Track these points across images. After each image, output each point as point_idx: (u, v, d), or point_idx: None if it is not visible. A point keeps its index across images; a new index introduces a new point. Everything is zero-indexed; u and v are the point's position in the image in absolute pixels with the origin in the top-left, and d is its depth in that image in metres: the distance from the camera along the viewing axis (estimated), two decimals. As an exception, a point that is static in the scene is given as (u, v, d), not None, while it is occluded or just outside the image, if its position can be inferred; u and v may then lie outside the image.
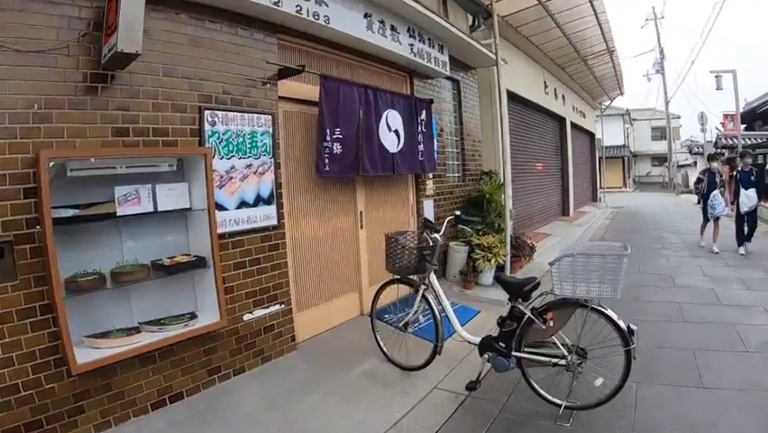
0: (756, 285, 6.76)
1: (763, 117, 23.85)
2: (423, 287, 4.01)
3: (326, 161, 4.70)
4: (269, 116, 4.31)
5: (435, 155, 6.61)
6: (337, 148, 4.77)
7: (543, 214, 13.00)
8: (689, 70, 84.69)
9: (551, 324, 3.31)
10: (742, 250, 8.79)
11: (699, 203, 10.30)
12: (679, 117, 46.31)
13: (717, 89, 16.84)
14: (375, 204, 5.84)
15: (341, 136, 4.80)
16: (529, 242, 7.96)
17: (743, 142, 17.70)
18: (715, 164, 9.70)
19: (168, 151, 3.59)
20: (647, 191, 38.64)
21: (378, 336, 4.47)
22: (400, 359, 4.25)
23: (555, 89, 13.90)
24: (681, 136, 44.68)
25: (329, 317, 5.18)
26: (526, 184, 11.56)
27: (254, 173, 4.19)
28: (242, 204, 4.09)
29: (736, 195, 8.94)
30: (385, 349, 4.40)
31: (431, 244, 4.02)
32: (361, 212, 5.59)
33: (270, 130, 4.31)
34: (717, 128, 24.33)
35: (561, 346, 3.32)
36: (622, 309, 5.52)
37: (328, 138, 4.69)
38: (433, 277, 3.98)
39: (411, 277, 4.14)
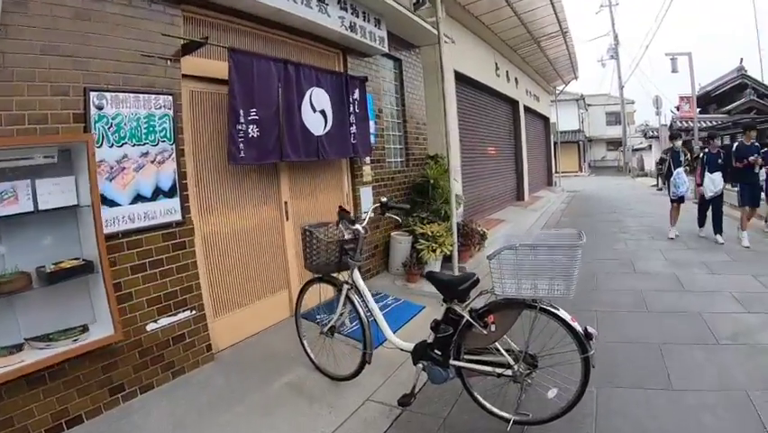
0: (720, 268, 6.63)
1: (717, 101, 24.48)
2: (346, 286, 3.56)
3: (241, 146, 4.18)
4: (169, 97, 3.76)
5: (372, 138, 6.19)
6: (253, 131, 4.26)
7: (496, 199, 12.77)
8: (643, 55, 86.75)
9: (493, 328, 2.88)
10: (702, 233, 8.72)
11: (664, 185, 10.06)
12: (633, 102, 47.80)
13: (673, 72, 16.99)
14: (303, 193, 5.36)
15: (257, 117, 4.29)
16: (479, 229, 7.62)
17: (699, 125, 17.91)
18: (678, 143, 9.49)
19: (45, 140, 3.07)
20: (603, 175, 39.45)
21: (304, 342, 4.04)
22: (330, 367, 3.83)
23: (507, 72, 13.64)
24: (636, 121, 46.04)
25: (253, 321, 4.71)
26: (478, 169, 11.27)
27: (152, 162, 3.66)
28: (138, 198, 3.56)
29: (702, 177, 8.49)
30: (312, 356, 3.97)
31: (353, 236, 3.52)
32: (285, 202, 5.10)
33: (171, 112, 3.77)
34: (672, 111, 24.78)
35: (506, 354, 2.92)
36: (580, 301, 5.32)
37: (242, 120, 4.17)
38: (357, 275, 3.54)
39: (334, 275, 3.67)
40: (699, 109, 24.48)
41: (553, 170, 22.85)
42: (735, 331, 4.40)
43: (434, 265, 6.33)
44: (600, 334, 4.41)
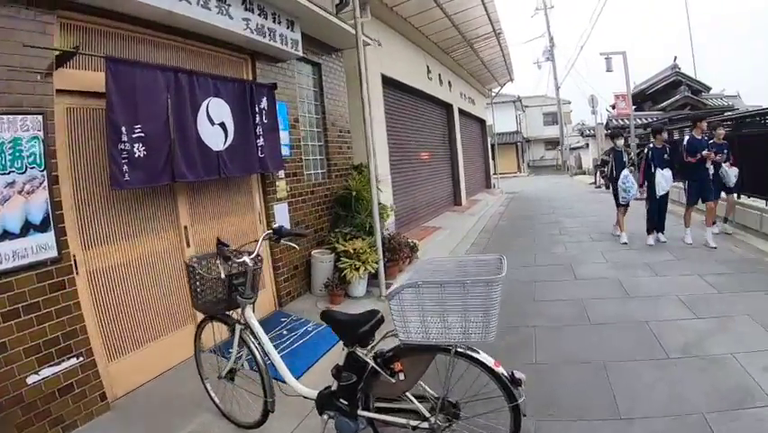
0: (664, 269, 6.50)
1: (652, 98, 25.45)
2: (239, 327, 3.16)
3: (125, 167, 3.70)
4: (39, 117, 3.27)
5: (286, 150, 5.82)
6: (139, 150, 3.79)
7: (432, 206, 12.61)
8: (578, 55, 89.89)
9: (402, 376, 2.54)
10: (651, 240, 7.99)
11: (608, 189, 9.52)
12: (570, 103, 49.06)
13: (608, 71, 17.42)
14: (206, 215, 4.90)
15: (143, 134, 3.82)
16: (409, 241, 7.36)
17: (635, 122, 18.36)
18: (620, 142, 9.11)
19: None
20: (542, 175, 40.50)
21: (207, 385, 3.62)
22: (237, 413, 3.43)
23: (440, 75, 13.54)
24: (573, 120, 47.55)
25: (156, 361, 4.22)
26: (411, 176, 11.07)
27: (19, 193, 3.16)
28: (5, 235, 3.07)
29: (646, 176, 7.97)
30: (217, 400, 3.56)
31: (241, 270, 3.11)
32: (186, 227, 4.63)
33: (41, 134, 3.28)
34: (607, 110, 25.57)
35: (419, 405, 2.58)
36: (518, 315, 5.14)
37: (125, 138, 3.70)
38: (249, 314, 3.13)
39: (229, 313, 3.26)
40: (634, 107, 25.41)
41: (491, 173, 23.03)
42: (685, 341, 4.19)
43: (360, 284, 6.02)
44: (539, 354, 4.31)
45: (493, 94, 23.16)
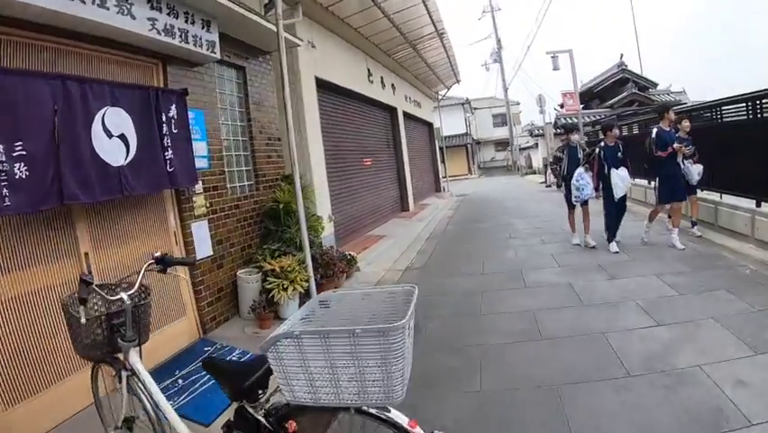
0: (620, 271, 6.27)
1: (599, 96, 26.05)
2: (125, 373, 2.75)
3: (4, 191, 3.26)
4: None
5: (205, 161, 5.44)
6: (21, 170, 3.35)
7: (376, 213, 12.37)
8: (525, 56, 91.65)
9: (297, 439, 2.13)
10: (615, 247, 7.40)
11: (559, 187, 8.84)
12: (518, 104, 50.03)
13: (554, 69, 17.68)
14: (111, 239, 4.45)
15: (24, 152, 3.38)
16: (347, 254, 7.07)
17: (583, 120, 18.57)
18: (575, 137, 8.50)
19: None
20: (493, 176, 41.13)
21: (111, 433, 3.18)
22: None
23: (382, 78, 13.33)
24: (522, 121, 48.40)
25: (57, 408, 3.72)
26: (352, 183, 10.79)
27: None
28: None
29: (600, 177, 7.53)
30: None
31: (120, 308, 2.71)
32: (86, 254, 4.16)
33: None
34: (555, 108, 26.00)
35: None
36: (463, 332, 4.94)
37: (3, 158, 3.26)
38: (135, 359, 2.71)
39: (117, 356, 2.86)
40: (582, 105, 25.96)
41: (441, 176, 23.00)
42: (647, 355, 3.90)
43: (291, 305, 5.67)
44: (485, 379, 3.98)
45: (440, 96, 23.17)
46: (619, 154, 7.44)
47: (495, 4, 45.48)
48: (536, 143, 34.11)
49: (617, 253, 7.24)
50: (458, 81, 21.18)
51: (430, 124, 22.21)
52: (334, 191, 9.42)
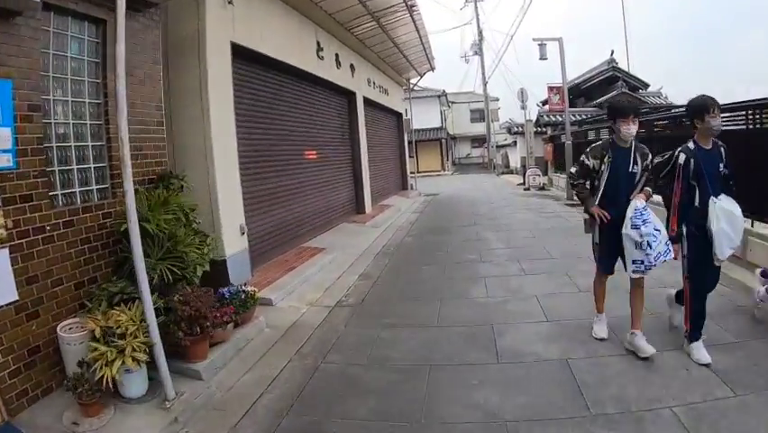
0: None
1: (585, 94, 24.62)
2: None
3: None
4: None
5: (10, 158, 3.49)
6: None
7: (320, 218, 10.48)
8: (507, 47, 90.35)
9: None
10: (703, 353, 3.83)
11: (589, 228, 4.50)
12: (497, 100, 49.56)
13: (541, 59, 15.93)
14: None
15: None
16: (244, 291, 5.13)
17: (573, 118, 17.06)
18: (629, 129, 4.16)
19: None
20: (467, 173, 39.74)
21: None
22: None
23: (338, 55, 11.42)
24: (500, 118, 47.72)
25: None
26: (288, 181, 8.91)
27: None
28: None
29: (682, 215, 3.97)
30: None
31: None
32: None
33: None
34: (537, 105, 24.51)
35: None
36: None
37: None
38: None
39: None
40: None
41: (408, 172, 21.19)
42: None
43: (134, 380, 3.78)
44: None
45: (412, 85, 21.32)
46: (722, 167, 3.95)
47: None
48: (515, 141, 32.63)
49: (707, 365, 3.75)
50: (432, 68, 19.37)
51: (399, 115, 20.32)
52: (255, 193, 7.54)
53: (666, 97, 25.32)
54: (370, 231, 11.18)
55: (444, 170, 40.43)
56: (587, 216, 4.48)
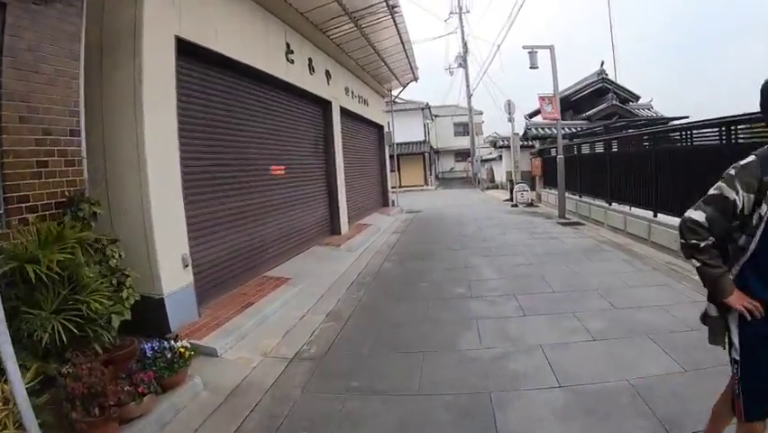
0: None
1: (574, 107, 23.96)
2: None
3: None
4: None
5: None
6: None
7: (288, 241, 9.47)
8: (494, 56, 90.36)
9: None
10: None
11: (716, 338, 2.45)
12: (482, 113, 49.62)
13: (532, 67, 15.09)
14: None
15: None
16: (173, 348, 4.06)
17: (563, 132, 16.23)
18: None
19: None
20: (451, 187, 39.03)
21: None
22: None
23: (311, 60, 10.48)
24: (485, 132, 47.72)
25: None
26: (249, 200, 7.88)
27: None
28: None
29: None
30: None
31: None
32: None
33: None
34: (525, 117, 23.81)
35: None
36: None
37: None
38: None
39: None
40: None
41: (389, 187, 20.24)
42: None
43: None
44: None
45: (394, 96, 20.50)
46: None
47: (464, 6, 43.97)
48: (500, 156, 31.91)
49: None
50: (415, 79, 18.56)
51: (380, 127, 19.40)
52: (207, 216, 6.54)
53: (657, 111, 24.86)
54: (344, 255, 10.17)
55: (428, 185, 39.61)
56: (712, 311, 2.42)
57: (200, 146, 6.52)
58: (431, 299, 6.85)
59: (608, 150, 12.55)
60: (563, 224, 13.43)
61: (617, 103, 22.23)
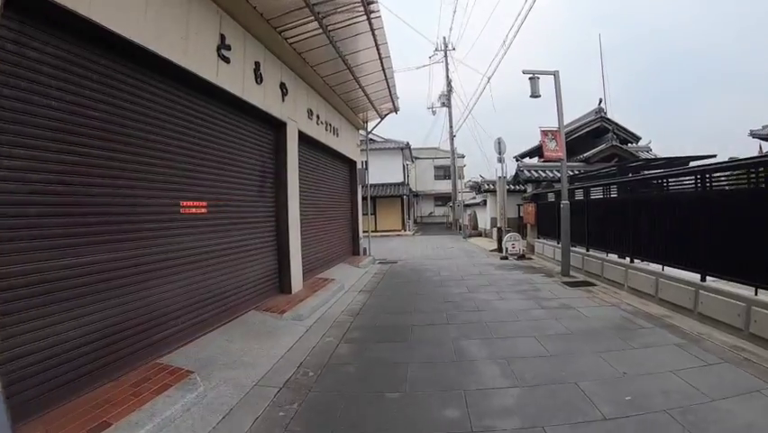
0: None
1: (570, 148, 22.00)
2: None
3: None
4: None
5: None
6: None
7: (206, 308, 6.90)
8: (482, 92, 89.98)
9: None
10: None
11: None
12: (463, 157, 50.25)
13: (532, 96, 12.90)
14: None
15: None
16: None
17: (558, 175, 14.08)
18: None
19: None
20: (431, 233, 36.67)
21: None
22: None
23: (259, 64, 8.14)
24: (465, 176, 47.18)
25: None
26: (135, 251, 5.29)
27: None
28: None
29: None
30: None
31: None
32: None
33: None
34: (516, 159, 21.86)
35: None
36: None
37: None
38: None
39: None
40: (542, 159, 22.21)
41: (361, 233, 17.74)
42: None
43: None
44: None
45: (370, 128, 18.23)
46: None
47: (449, 43, 42.84)
48: (484, 201, 29.71)
49: None
50: (395, 110, 16.37)
51: (352, 163, 16.99)
52: (39, 276, 4.00)
53: (655, 154, 23.19)
54: (287, 328, 7.49)
55: (406, 230, 37.21)
56: None
57: (28, 157, 4.01)
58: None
59: (629, 193, 10.27)
60: (570, 284, 11.03)
61: (618, 144, 20.37)
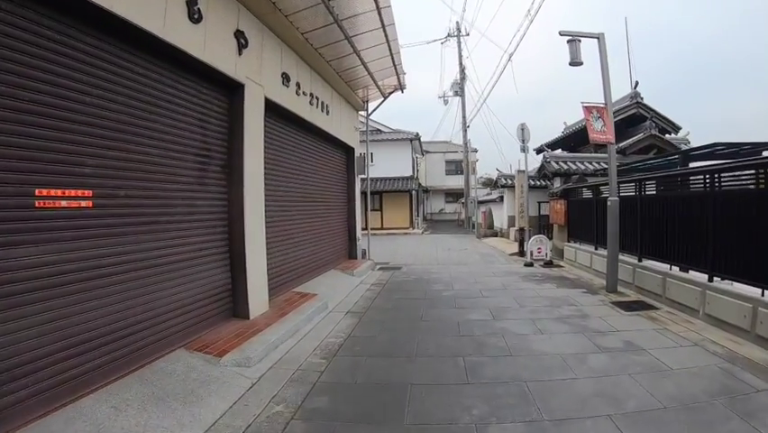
0: None
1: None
2: None
3: None
4: None
5: None
6: None
7: (83, 357, 4.62)
8: (503, 70, 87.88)
9: None
10: None
11: None
12: (476, 151, 47.71)
13: (572, 63, 10.37)
14: None
15: None
16: None
17: (591, 168, 11.75)
18: None
19: None
20: (440, 231, 34.55)
21: None
22: None
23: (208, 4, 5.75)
24: (478, 172, 45.65)
25: None
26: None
27: None
28: None
29: None
30: None
31: None
32: None
33: None
34: (536, 150, 19.50)
35: None
36: None
37: None
38: None
39: None
40: (564, 151, 20.00)
41: (359, 233, 15.38)
42: None
43: None
44: None
45: (373, 108, 15.84)
46: None
47: (462, 29, 40.62)
48: (501, 197, 27.19)
49: None
50: (401, 87, 13.99)
51: (349, 150, 14.63)
52: None
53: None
54: (222, 382, 5.18)
55: (414, 228, 34.75)
56: None
57: None
58: None
59: (707, 188, 7.78)
60: (623, 305, 8.60)
61: (657, 133, 17.82)
